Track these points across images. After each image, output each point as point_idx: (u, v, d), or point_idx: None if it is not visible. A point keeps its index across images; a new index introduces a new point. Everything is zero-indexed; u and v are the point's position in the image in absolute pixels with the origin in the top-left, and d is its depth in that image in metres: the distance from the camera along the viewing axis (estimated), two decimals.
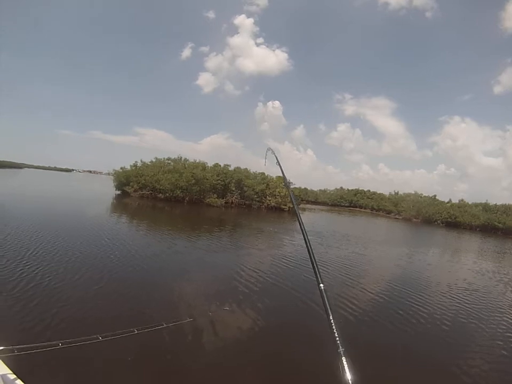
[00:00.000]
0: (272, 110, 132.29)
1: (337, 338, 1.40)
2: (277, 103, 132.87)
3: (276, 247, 17.16)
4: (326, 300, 1.55)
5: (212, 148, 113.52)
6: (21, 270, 8.38)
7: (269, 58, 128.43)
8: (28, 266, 8.73)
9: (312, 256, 1.85)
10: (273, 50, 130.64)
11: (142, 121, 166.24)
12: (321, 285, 1.62)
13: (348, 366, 1.29)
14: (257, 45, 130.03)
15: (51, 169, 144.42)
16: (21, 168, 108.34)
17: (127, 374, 4.99)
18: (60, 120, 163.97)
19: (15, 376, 2.64)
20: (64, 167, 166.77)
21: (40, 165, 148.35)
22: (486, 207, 52.16)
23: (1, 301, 6.55)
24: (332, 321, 1.44)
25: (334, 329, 1.42)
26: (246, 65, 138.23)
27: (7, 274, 8.00)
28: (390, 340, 7.26)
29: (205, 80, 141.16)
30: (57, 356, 4.57)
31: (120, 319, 6.57)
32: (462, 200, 56.00)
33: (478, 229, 48.58)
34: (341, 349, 1.36)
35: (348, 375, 1.27)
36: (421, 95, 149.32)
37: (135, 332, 3.62)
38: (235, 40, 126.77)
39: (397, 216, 62.78)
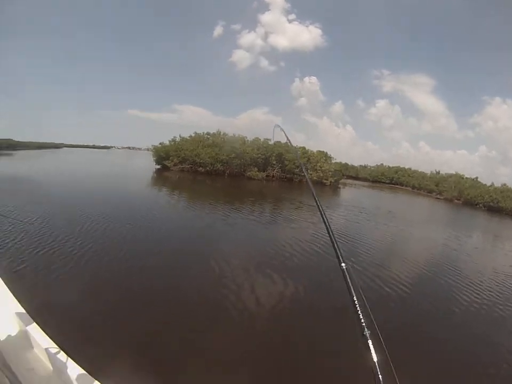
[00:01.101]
0: (309, 85, 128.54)
1: (362, 320, 1.36)
2: (313, 78, 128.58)
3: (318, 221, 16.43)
4: (348, 279, 1.51)
5: (250, 123, 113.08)
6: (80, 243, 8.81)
7: (302, 35, 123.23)
8: (84, 241, 9.12)
9: (331, 234, 1.80)
10: (307, 27, 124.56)
11: (180, 99, 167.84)
12: (343, 264, 1.59)
13: (375, 349, 1.25)
14: (290, 21, 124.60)
15: (89, 147, 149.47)
16: (59, 147, 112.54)
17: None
18: (97, 99, 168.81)
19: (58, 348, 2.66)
20: (102, 145, 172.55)
21: (79, 143, 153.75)
22: None
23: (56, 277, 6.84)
24: (356, 302, 1.42)
25: (358, 310, 1.39)
26: (279, 42, 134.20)
27: (67, 251, 8.32)
28: (430, 325, 6.66)
29: (239, 57, 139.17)
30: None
31: (174, 284, 7.15)
32: (505, 184, 51.84)
33: None
34: (366, 332, 1.32)
35: (374, 358, 1.23)
36: (462, 73, 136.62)
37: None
38: (266, 17, 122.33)
39: (438, 196, 59.68)
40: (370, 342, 1.27)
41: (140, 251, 8.99)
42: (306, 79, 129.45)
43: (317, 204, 2.12)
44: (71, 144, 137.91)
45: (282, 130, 4.28)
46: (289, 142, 3.85)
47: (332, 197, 33.35)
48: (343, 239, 12.74)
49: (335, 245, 1.71)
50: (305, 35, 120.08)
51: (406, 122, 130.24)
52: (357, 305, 1.40)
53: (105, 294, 6.30)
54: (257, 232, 12.99)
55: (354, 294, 1.44)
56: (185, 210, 16.26)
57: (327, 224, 1.94)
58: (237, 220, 14.72)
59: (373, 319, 1.43)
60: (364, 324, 1.34)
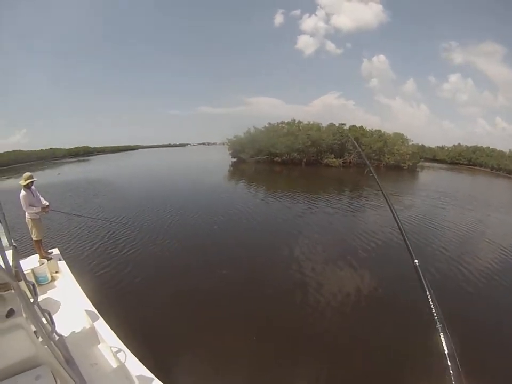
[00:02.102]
0: (378, 64, 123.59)
1: (435, 314, 1.38)
2: (382, 57, 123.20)
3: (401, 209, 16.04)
4: (421, 275, 1.56)
5: (323, 109, 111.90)
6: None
7: (364, 12, 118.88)
8: (166, 239, 9.87)
9: (403, 233, 1.84)
10: (367, 3, 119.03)
11: (250, 91, 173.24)
12: (416, 260, 1.64)
13: (446, 342, 1.27)
14: None
15: (165, 146, 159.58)
16: (135, 149, 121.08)
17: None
18: (170, 103, 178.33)
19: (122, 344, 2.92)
20: (178, 143, 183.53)
21: (156, 144, 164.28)
22: None
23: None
24: (429, 296, 1.45)
25: (431, 304, 1.42)
26: (342, 22, 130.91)
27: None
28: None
29: (304, 43, 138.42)
30: None
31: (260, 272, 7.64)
32: None
33: None
34: (438, 325, 1.34)
35: (446, 351, 1.25)
36: None
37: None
38: None
39: None
40: (442, 335, 1.30)
41: (223, 247, 9.47)
42: (375, 58, 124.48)
43: (392, 213, 2.09)
44: (147, 145, 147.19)
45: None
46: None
47: (411, 182, 32.11)
48: (431, 227, 12.64)
49: (407, 243, 1.76)
50: (367, 12, 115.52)
51: (481, 97, 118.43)
52: (430, 300, 1.43)
53: (177, 295, 6.36)
54: (339, 221, 13.22)
55: (427, 289, 1.48)
56: (265, 201, 16.77)
57: (400, 226, 1.92)
58: (317, 210, 15.09)
59: (440, 314, 1.40)
60: (436, 318, 1.37)
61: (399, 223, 1.94)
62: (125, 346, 2.89)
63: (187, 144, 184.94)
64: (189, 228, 11.25)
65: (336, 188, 23.50)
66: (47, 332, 1.97)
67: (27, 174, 5.40)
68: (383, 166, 39.75)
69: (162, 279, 7.11)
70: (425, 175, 40.12)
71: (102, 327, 3.15)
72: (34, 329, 1.83)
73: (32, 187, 5.48)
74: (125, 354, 2.76)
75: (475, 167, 64.66)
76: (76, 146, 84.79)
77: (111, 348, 2.84)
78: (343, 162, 39.24)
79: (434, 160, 67.83)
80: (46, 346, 1.89)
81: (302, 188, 21.55)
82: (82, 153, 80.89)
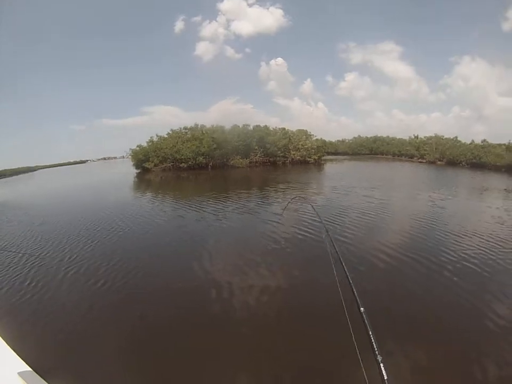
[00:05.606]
0: (276, 67, 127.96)
1: (375, 347, 1.42)
2: (280, 60, 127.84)
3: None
4: (366, 321, 1.57)
5: (221, 114, 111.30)
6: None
7: (264, 17, 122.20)
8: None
9: (351, 284, 1.97)
10: (267, 9, 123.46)
11: (148, 100, 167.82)
12: (362, 308, 1.66)
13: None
14: (250, 5, 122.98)
15: (65, 164, 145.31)
16: (34, 170, 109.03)
17: None
18: (66, 116, 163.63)
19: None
20: (78, 160, 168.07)
21: (54, 163, 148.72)
22: (509, 147, 50.16)
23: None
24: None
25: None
26: (242, 28, 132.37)
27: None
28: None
29: (204, 49, 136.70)
30: None
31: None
32: (485, 140, 53.59)
33: (503, 169, 46.70)
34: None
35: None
36: (427, 36, 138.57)
37: None
38: (226, 5, 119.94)
39: (420, 160, 61.17)
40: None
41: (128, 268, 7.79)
42: (273, 61, 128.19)
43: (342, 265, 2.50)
44: (45, 165, 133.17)
45: None
46: None
47: (321, 174, 33.19)
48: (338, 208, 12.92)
49: (354, 293, 1.84)
50: (268, 17, 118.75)
51: (378, 92, 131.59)
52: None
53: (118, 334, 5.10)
54: (246, 222, 12.35)
55: (371, 332, 1.52)
56: (171, 211, 15.28)
57: (348, 275, 2.13)
58: (222, 212, 14.13)
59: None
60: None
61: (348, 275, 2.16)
62: None
63: (87, 161, 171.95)
64: (90, 255, 8.95)
65: (241, 188, 22.36)
66: None
67: None
68: (290, 162, 40.63)
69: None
70: (331, 166, 41.91)
71: None
72: None
73: None
74: None
75: (377, 155, 71.45)
76: None
77: None
78: (249, 162, 39.09)
79: (336, 153, 73.05)
80: None
81: (207, 193, 20.10)
82: None
